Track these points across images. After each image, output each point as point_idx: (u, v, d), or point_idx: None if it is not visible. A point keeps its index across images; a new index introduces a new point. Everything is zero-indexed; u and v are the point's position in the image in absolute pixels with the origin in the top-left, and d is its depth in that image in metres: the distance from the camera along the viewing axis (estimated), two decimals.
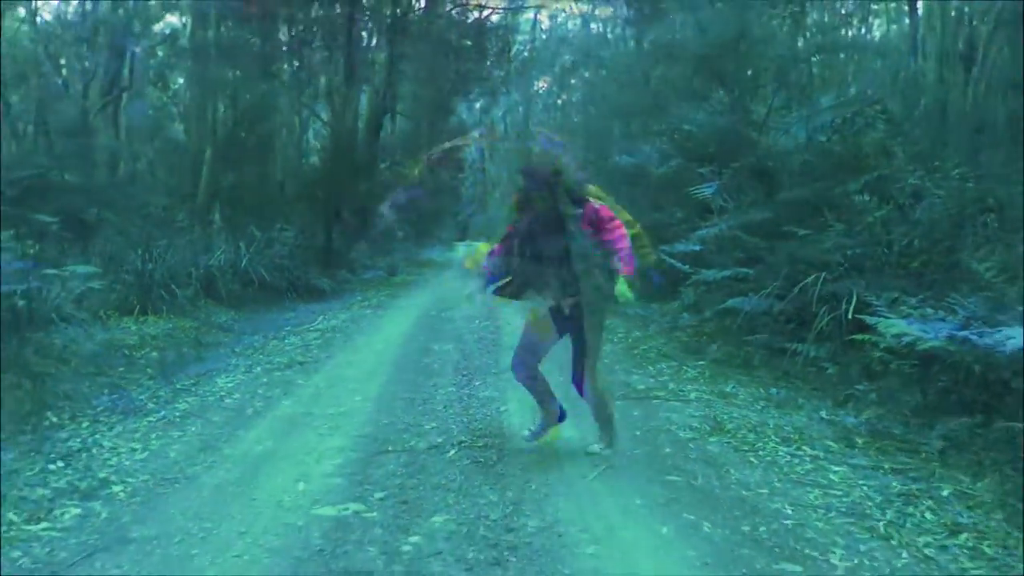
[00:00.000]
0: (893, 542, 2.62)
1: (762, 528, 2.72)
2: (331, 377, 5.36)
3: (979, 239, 4.59)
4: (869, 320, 4.21)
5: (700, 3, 6.73)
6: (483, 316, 8.03)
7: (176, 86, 17.72)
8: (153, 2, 16.31)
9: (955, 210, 4.85)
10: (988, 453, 3.35)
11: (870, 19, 13.65)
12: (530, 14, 22.47)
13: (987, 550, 2.52)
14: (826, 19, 10.59)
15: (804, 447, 3.73)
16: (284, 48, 12.64)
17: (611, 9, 15.93)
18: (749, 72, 6.88)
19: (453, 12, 17.67)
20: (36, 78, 13.36)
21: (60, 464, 3.36)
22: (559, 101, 22.88)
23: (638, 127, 9.12)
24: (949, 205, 4.90)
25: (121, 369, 5.03)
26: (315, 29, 12.90)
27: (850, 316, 4.63)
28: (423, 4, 17.20)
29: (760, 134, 6.74)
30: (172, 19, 17.56)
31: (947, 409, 3.77)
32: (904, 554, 2.53)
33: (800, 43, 7.06)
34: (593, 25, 19.42)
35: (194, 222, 10.81)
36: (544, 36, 24.29)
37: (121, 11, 14.35)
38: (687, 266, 6.71)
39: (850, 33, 12.28)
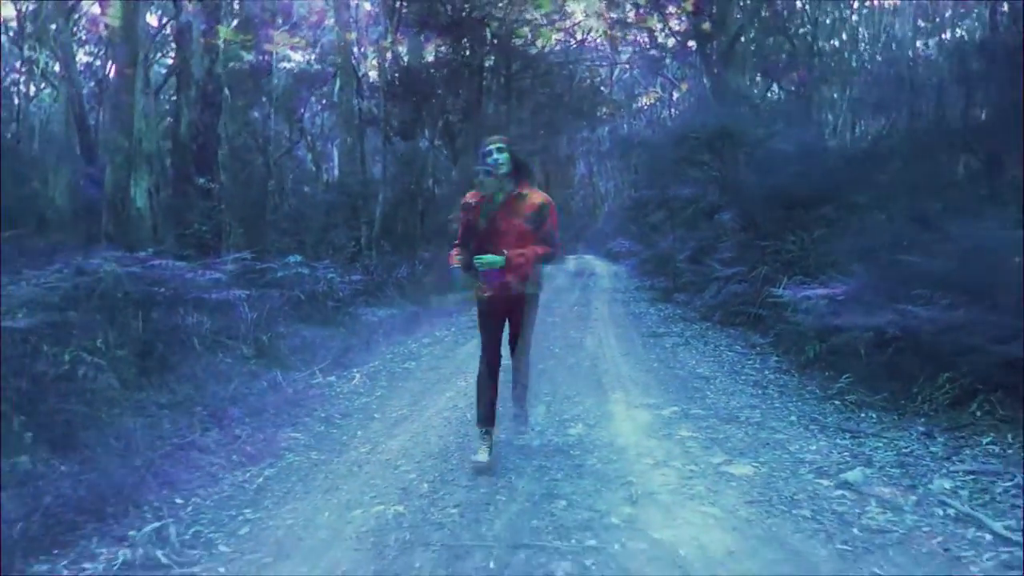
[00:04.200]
0: (739, 376, 7.36)
1: (679, 371, 7.52)
2: None
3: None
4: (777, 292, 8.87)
5: (705, 106, 11.46)
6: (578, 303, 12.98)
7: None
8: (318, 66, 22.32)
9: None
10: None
11: None
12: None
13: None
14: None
15: (733, 349, 8.45)
16: (429, 116, 17.99)
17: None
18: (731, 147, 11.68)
19: (555, 69, 22.80)
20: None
21: (367, 354, 8.46)
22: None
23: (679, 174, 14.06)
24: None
25: (388, 327, 10.21)
26: (450, 101, 18.27)
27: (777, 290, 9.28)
28: (531, 66, 22.44)
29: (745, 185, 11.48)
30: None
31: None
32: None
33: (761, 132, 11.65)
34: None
35: (371, 245, 16.13)
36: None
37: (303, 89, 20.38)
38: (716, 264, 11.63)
39: None
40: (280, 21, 19.89)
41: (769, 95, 20.48)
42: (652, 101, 32.86)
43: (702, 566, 2.96)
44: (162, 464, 4.13)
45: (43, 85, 22.77)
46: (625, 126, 35.50)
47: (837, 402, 5.92)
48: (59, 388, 4.32)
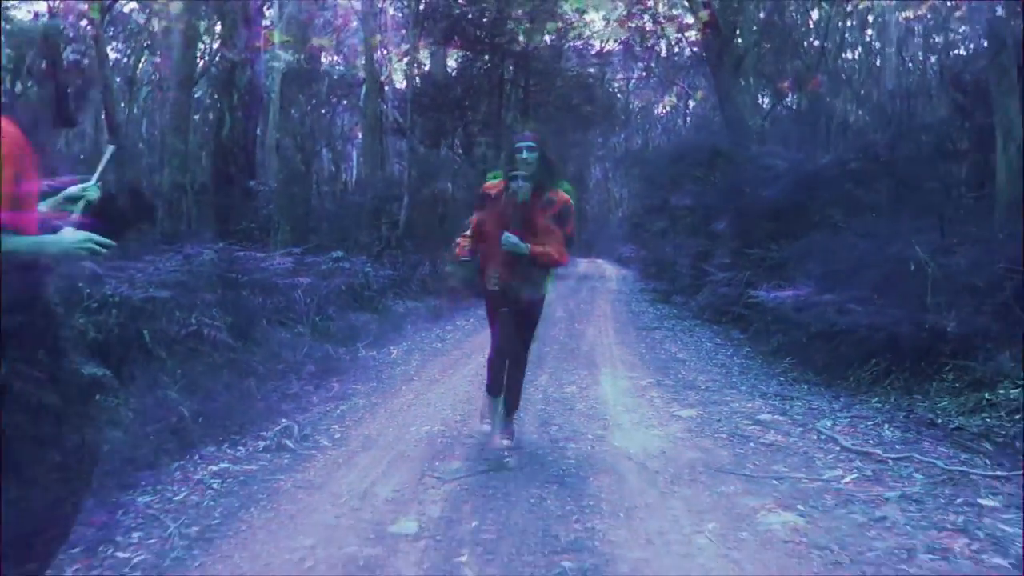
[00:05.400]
0: (711, 360, 9.01)
1: (660, 354, 9.17)
2: None
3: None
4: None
5: (705, 124, 13.11)
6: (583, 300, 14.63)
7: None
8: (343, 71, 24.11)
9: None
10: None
11: None
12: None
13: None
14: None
15: (713, 341, 10.10)
16: (451, 125, 19.73)
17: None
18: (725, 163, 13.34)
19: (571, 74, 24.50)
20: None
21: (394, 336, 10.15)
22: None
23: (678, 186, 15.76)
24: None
25: (414, 316, 11.89)
26: (470, 113, 20.01)
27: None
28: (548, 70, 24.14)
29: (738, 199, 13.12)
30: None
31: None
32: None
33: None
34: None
35: (396, 244, 17.85)
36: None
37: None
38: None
39: None
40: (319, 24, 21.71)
41: (776, 110, 22.12)
42: (667, 109, 34.57)
43: (643, 457, 4.62)
44: (269, 399, 5.84)
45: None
46: (639, 134, 37.22)
47: (783, 379, 7.57)
48: (189, 342, 6.03)
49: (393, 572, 3.03)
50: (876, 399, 6.20)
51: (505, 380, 4.81)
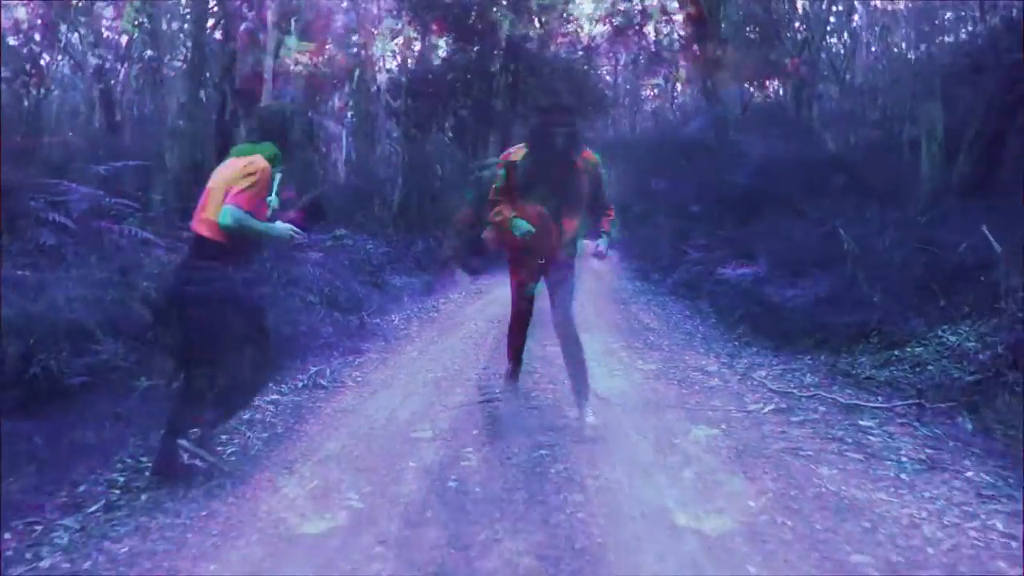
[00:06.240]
0: (678, 328, 10.27)
1: (633, 322, 10.42)
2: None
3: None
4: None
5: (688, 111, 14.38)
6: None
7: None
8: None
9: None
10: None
11: None
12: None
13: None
14: None
15: (683, 313, 11.35)
16: (443, 112, 20.88)
17: None
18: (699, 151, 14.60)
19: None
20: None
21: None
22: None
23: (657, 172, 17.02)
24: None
25: (410, 290, 13.09)
26: (460, 100, 21.17)
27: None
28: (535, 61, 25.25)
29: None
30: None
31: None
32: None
33: None
34: None
35: (390, 224, 19.05)
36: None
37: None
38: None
39: None
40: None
41: (753, 99, 23.34)
42: (654, 91, 35.80)
43: (607, 395, 5.86)
44: (298, 352, 7.05)
45: (61, 58, 25.38)
46: (625, 118, 38.32)
47: (737, 343, 8.82)
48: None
49: (417, 459, 4.25)
50: (809, 357, 7.45)
51: (565, 362, 5.06)
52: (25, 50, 20.92)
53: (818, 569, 2.98)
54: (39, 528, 3.13)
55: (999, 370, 5.62)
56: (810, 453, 4.46)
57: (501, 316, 7.73)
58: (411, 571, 2.88)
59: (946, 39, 14.54)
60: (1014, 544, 3.20)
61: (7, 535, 3.05)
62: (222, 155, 11.72)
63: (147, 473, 3.84)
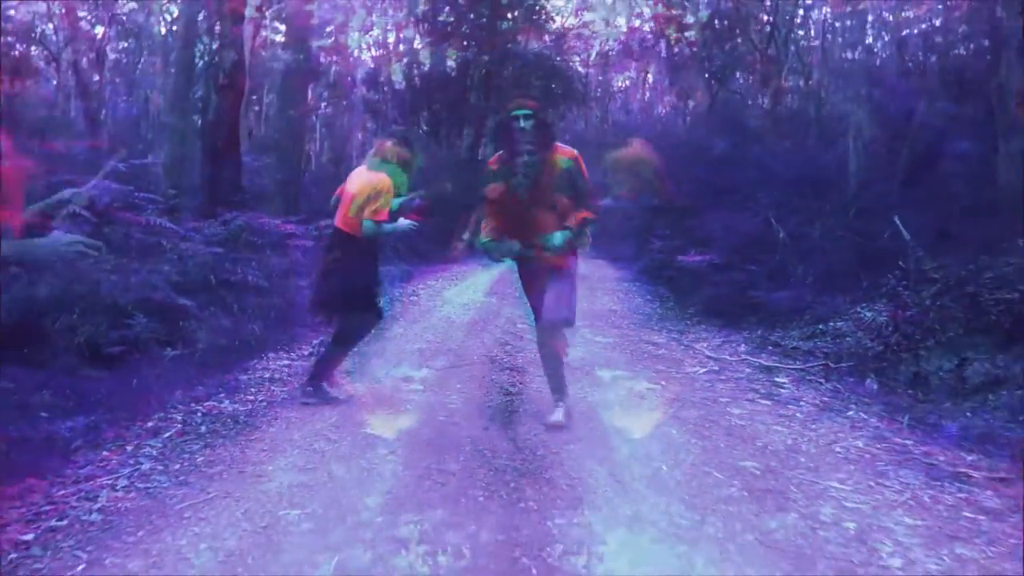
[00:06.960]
0: (638, 311, 11.41)
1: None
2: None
3: None
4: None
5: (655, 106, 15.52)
6: None
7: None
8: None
9: None
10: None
11: None
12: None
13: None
14: None
15: (644, 297, 12.50)
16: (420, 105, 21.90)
17: None
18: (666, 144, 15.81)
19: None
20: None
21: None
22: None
23: None
24: None
25: (391, 276, 14.14)
26: (437, 94, 22.24)
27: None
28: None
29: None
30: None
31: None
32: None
33: None
34: None
35: None
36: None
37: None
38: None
39: None
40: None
41: (719, 95, 24.51)
42: (626, 83, 37.01)
43: (574, 363, 6.97)
44: (301, 326, 8.10)
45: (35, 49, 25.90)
46: (597, 109, 39.43)
47: (688, 322, 9.97)
48: (234, 284, 8.23)
49: (408, 399, 5.36)
50: (747, 332, 8.62)
51: (541, 358, 5.11)
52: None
53: (716, 470, 4.10)
54: (130, 447, 4.17)
55: (898, 341, 6.81)
56: (728, 400, 5.62)
57: (475, 303, 8.92)
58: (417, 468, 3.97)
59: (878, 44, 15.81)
60: (867, 456, 4.36)
61: (105, 452, 4.09)
62: (209, 151, 12.54)
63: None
